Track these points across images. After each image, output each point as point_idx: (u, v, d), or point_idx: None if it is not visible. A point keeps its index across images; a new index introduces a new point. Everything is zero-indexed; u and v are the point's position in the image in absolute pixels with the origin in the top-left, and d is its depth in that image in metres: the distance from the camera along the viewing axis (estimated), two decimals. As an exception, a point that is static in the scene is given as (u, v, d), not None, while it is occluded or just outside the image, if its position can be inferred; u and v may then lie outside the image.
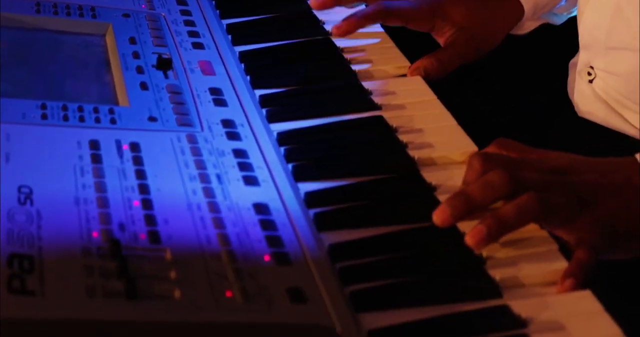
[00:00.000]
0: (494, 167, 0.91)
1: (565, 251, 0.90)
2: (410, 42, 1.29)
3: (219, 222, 0.85)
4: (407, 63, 1.23)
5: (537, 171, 0.93)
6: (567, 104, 1.29)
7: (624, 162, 0.96)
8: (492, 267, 0.87)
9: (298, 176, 0.98)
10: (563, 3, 1.34)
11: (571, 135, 1.27)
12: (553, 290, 0.86)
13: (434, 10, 1.25)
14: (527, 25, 1.34)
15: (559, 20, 1.37)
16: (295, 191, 0.94)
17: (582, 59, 1.25)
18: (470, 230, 0.88)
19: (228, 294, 0.76)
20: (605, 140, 1.22)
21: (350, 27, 1.22)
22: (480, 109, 1.32)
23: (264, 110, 1.10)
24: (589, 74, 1.23)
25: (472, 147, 1.04)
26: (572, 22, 1.30)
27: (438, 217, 0.90)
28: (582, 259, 0.87)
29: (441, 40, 1.27)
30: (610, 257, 0.92)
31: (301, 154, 1.02)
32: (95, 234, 0.80)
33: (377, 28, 1.30)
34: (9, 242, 0.77)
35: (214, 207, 0.87)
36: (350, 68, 1.21)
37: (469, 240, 0.88)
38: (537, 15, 1.33)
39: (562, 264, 0.88)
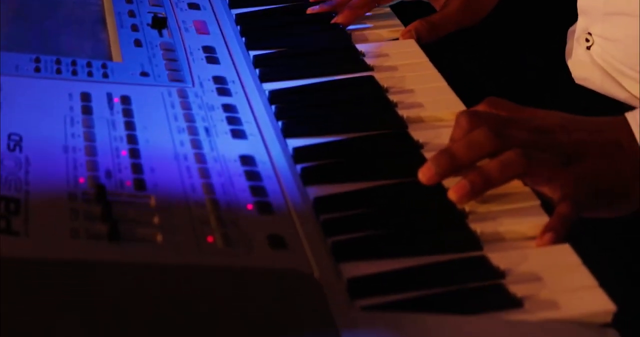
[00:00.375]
0: (481, 124, 0.93)
1: (548, 208, 0.92)
2: (408, 8, 1.30)
3: (205, 172, 0.86)
4: (402, 27, 1.24)
5: (524, 129, 0.94)
6: (564, 70, 1.29)
7: (614, 121, 0.97)
8: (473, 221, 0.88)
9: (287, 132, 0.99)
10: None
11: (566, 101, 1.28)
12: (533, 244, 0.87)
13: None
14: None
15: None
16: (283, 146, 0.96)
17: (580, 25, 1.25)
18: (454, 185, 0.90)
19: (209, 239, 0.78)
20: (600, 107, 1.23)
21: (348, 19, 1.23)
22: (475, 72, 1.33)
23: (257, 71, 1.11)
24: (587, 40, 1.24)
25: (462, 107, 1.05)
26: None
27: (424, 174, 0.91)
28: (564, 213, 0.88)
29: (437, 5, 1.28)
30: (592, 214, 0.93)
31: (291, 112, 1.04)
32: (81, 180, 0.82)
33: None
34: (-4, 185, 0.78)
35: (200, 158, 0.88)
36: (345, 31, 1.22)
37: (452, 195, 0.89)
38: None
39: (543, 220, 0.89)
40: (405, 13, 1.27)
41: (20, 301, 0.68)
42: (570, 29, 1.30)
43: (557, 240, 0.86)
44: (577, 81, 1.26)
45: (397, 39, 1.22)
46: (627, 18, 1.17)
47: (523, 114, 0.97)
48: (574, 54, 1.26)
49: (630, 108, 1.14)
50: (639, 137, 0.95)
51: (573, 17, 1.28)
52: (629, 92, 1.20)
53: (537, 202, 0.91)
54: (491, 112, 0.97)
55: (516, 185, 0.92)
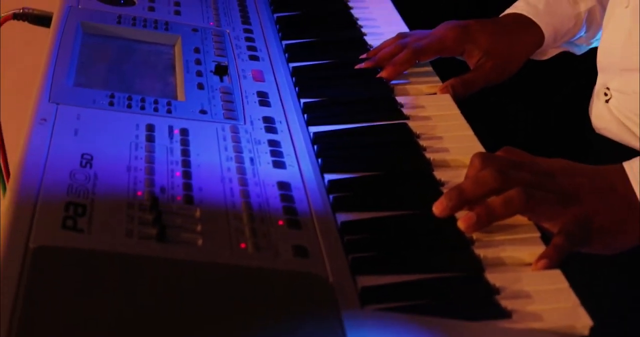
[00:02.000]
0: (491, 165, 1.05)
1: (548, 241, 1.04)
2: (446, 66, 1.43)
3: (245, 193, 1.00)
4: (440, 83, 1.38)
5: (529, 171, 1.06)
6: (588, 120, 1.41)
7: (612, 169, 1.09)
8: (478, 247, 1.01)
9: (326, 167, 1.13)
10: (583, 34, 1.47)
11: (588, 148, 1.40)
12: (529, 268, 0.99)
13: (462, 37, 1.39)
14: (549, 52, 1.48)
15: (579, 50, 1.51)
16: (318, 179, 1.09)
17: (599, 80, 1.38)
18: (463, 215, 1.03)
19: (242, 245, 0.92)
20: (619, 154, 1.34)
21: (391, 75, 1.36)
22: (508, 127, 1.45)
23: (305, 115, 1.25)
24: (605, 94, 1.36)
25: (482, 152, 1.18)
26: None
27: (437, 208, 1.04)
28: (558, 244, 1.00)
29: (471, 63, 1.41)
30: (584, 249, 1.05)
31: (331, 151, 1.17)
32: (139, 193, 0.96)
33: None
34: (68, 193, 0.93)
35: (243, 181, 1.02)
36: (387, 84, 1.36)
37: (460, 224, 1.02)
38: (558, 43, 1.46)
39: (541, 249, 1.01)
40: (443, 69, 1.41)
41: (75, 285, 0.82)
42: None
43: (550, 266, 0.98)
44: (597, 131, 1.38)
45: (435, 93, 1.36)
46: (640, 74, 1.29)
47: (532, 159, 1.10)
48: (594, 107, 1.38)
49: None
50: (638, 185, 1.06)
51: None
52: None
53: (537, 234, 1.03)
54: (502, 156, 1.10)
55: (520, 218, 1.04)
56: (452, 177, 1.13)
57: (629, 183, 1.07)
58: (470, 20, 1.43)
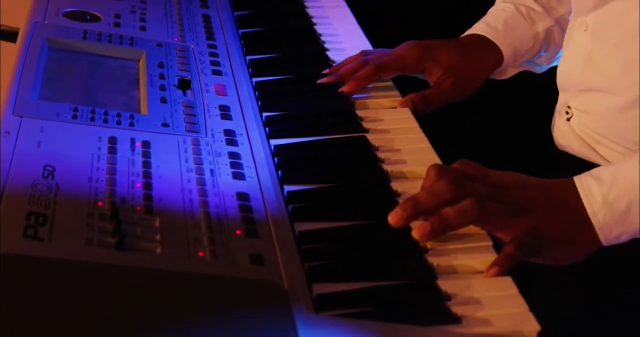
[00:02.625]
0: (446, 177, 1.08)
1: (500, 249, 1.07)
2: (407, 84, 1.47)
3: (204, 204, 1.03)
4: (400, 98, 1.41)
5: (482, 183, 1.09)
6: (549, 139, 1.45)
7: (564, 183, 1.12)
8: (432, 255, 1.04)
9: (285, 179, 1.16)
10: (542, 54, 1.50)
11: (551, 164, 1.43)
12: (480, 276, 1.02)
13: (423, 55, 1.42)
14: (508, 71, 1.51)
15: (539, 69, 1.54)
16: (276, 190, 1.12)
17: (561, 99, 1.41)
18: (417, 225, 1.05)
19: (200, 253, 0.94)
20: (581, 171, 1.38)
21: (353, 89, 1.39)
22: (468, 144, 1.48)
23: (266, 129, 1.28)
24: (567, 112, 1.39)
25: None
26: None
27: (392, 217, 1.07)
28: (509, 253, 1.03)
29: (431, 81, 1.44)
30: (538, 260, 1.08)
31: (291, 163, 1.20)
32: (100, 204, 0.98)
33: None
34: (30, 203, 0.95)
35: (202, 192, 1.05)
36: (348, 98, 1.39)
37: (415, 233, 1.05)
38: (518, 62, 1.50)
39: (493, 257, 1.04)
40: (404, 86, 1.44)
41: (35, 292, 0.84)
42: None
43: (501, 274, 1.01)
44: (559, 147, 1.41)
45: (395, 107, 1.39)
46: (600, 94, 1.32)
47: (486, 172, 1.13)
48: (556, 124, 1.41)
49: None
50: (588, 199, 1.09)
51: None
52: (603, 158, 1.35)
53: (489, 243, 1.06)
54: (457, 168, 1.13)
55: (473, 227, 1.07)
56: (408, 188, 1.16)
57: (579, 197, 1.10)
58: (431, 40, 1.46)
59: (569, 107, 1.39)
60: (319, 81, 1.42)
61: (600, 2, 1.31)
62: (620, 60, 1.29)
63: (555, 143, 1.43)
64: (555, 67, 1.43)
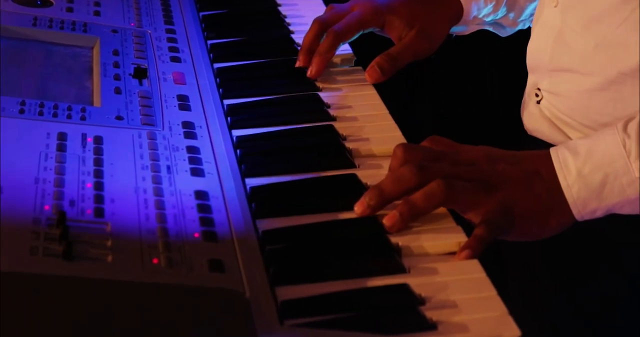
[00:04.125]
0: (411, 159, 1.03)
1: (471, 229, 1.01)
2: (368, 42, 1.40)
3: (160, 204, 0.96)
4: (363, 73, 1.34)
5: (450, 162, 1.04)
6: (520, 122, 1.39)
7: (535, 154, 1.07)
8: (396, 236, 0.99)
9: (248, 172, 1.09)
10: (505, 14, 1.43)
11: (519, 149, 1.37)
12: (451, 258, 0.97)
13: (381, 8, 1.35)
14: (470, 27, 1.44)
15: (505, 32, 1.47)
16: (237, 186, 1.05)
17: (530, 81, 1.35)
18: (387, 215, 1.00)
19: (155, 261, 0.87)
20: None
21: (320, 66, 1.33)
22: (436, 123, 1.43)
23: (228, 118, 1.21)
24: (537, 95, 1.33)
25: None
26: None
27: (358, 207, 1.02)
28: (480, 235, 0.99)
29: (393, 36, 1.37)
30: (512, 237, 1.04)
31: (255, 155, 1.13)
32: (47, 207, 0.91)
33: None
34: (-31, 208, 0.88)
35: (158, 191, 0.98)
36: (315, 84, 1.32)
37: (385, 222, 1.00)
38: (480, 20, 1.43)
39: (459, 237, 0.99)
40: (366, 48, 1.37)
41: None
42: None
43: (473, 257, 0.97)
44: (529, 132, 1.35)
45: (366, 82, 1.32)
46: (571, 74, 1.26)
47: (456, 148, 1.07)
48: (526, 108, 1.35)
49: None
50: (562, 171, 1.04)
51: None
52: None
53: (453, 224, 1.01)
54: (426, 146, 1.07)
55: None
56: (379, 178, 1.09)
57: (553, 169, 1.05)
58: None
59: (538, 89, 1.33)
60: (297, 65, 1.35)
61: (571, -25, 1.25)
62: (592, 38, 1.23)
63: (525, 128, 1.37)
64: (525, 47, 1.36)
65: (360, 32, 1.36)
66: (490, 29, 1.47)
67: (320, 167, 1.12)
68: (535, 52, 1.31)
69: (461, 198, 1.01)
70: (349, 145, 1.17)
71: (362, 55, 1.39)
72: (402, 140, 1.18)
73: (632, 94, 1.18)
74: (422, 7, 1.37)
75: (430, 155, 1.04)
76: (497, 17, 1.44)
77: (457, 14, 1.40)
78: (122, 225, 0.91)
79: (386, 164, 1.11)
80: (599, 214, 1.05)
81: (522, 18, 1.44)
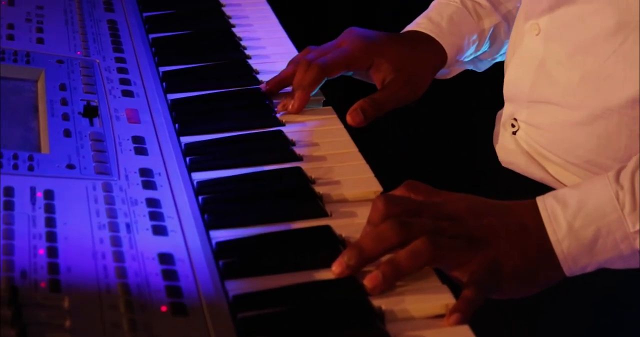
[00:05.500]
0: (392, 214, 0.96)
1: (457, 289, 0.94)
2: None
3: (122, 272, 0.87)
4: (334, 115, 1.26)
5: (433, 216, 0.97)
6: (492, 154, 1.32)
7: (522, 205, 1.01)
8: (377, 298, 0.91)
9: (212, 224, 1.01)
10: (487, 49, 1.37)
11: (493, 184, 1.30)
12: (439, 322, 0.89)
13: (371, 48, 1.29)
14: (452, 71, 1.38)
15: (482, 66, 1.42)
16: (203, 242, 0.97)
17: (506, 111, 1.28)
18: (368, 275, 0.93)
19: (120, 343, 0.79)
20: (524, 189, 1.25)
21: (303, 101, 1.25)
22: (405, 154, 1.35)
23: (187, 159, 1.12)
24: (513, 125, 1.27)
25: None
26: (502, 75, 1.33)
27: (336, 268, 0.95)
28: (470, 297, 0.92)
29: (378, 79, 1.30)
30: (499, 296, 0.97)
31: (218, 203, 1.05)
32: (-5, 281, 0.82)
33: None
34: None
35: (118, 256, 0.89)
36: (276, 118, 1.24)
37: (367, 284, 0.93)
38: (460, 61, 1.36)
39: (446, 297, 0.92)
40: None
41: None
42: (499, 113, 1.33)
43: (463, 321, 0.89)
44: (503, 165, 1.29)
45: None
46: (553, 106, 1.20)
47: (437, 197, 1.01)
48: (501, 139, 1.29)
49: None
50: (552, 224, 0.97)
51: (501, 103, 1.31)
52: (552, 176, 1.23)
53: (438, 283, 0.94)
54: (406, 196, 1.00)
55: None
56: (353, 231, 1.02)
57: (540, 220, 0.98)
58: (373, 32, 1.32)
59: (515, 119, 1.26)
60: (263, 89, 1.27)
61: (555, 4, 1.18)
62: (577, 70, 1.17)
63: (499, 160, 1.30)
64: (502, 78, 1.30)
65: (344, 71, 1.28)
66: (470, 67, 1.41)
67: (290, 217, 1.04)
68: (513, 82, 1.25)
69: (447, 256, 0.94)
70: (318, 189, 1.09)
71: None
72: (375, 182, 1.10)
73: (618, 132, 1.12)
74: (410, 54, 1.30)
75: (411, 208, 0.97)
76: (478, 54, 1.38)
77: (442, 61, 1.34)
78: (81, 299, 0.83)
79: (360, 210, 1.04)
80: (590, 269, 0.99)
81: (502, 51, 1.38)
